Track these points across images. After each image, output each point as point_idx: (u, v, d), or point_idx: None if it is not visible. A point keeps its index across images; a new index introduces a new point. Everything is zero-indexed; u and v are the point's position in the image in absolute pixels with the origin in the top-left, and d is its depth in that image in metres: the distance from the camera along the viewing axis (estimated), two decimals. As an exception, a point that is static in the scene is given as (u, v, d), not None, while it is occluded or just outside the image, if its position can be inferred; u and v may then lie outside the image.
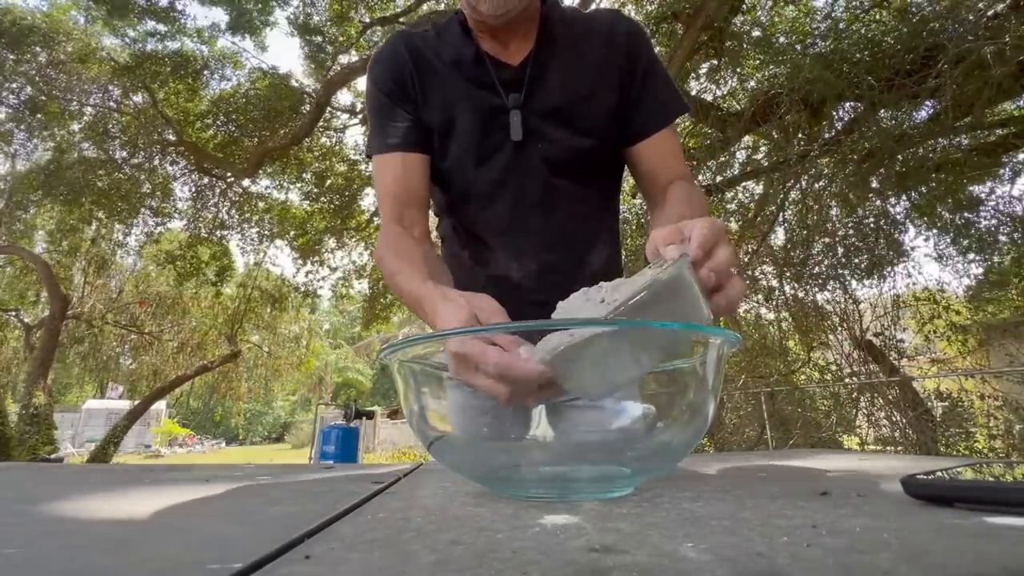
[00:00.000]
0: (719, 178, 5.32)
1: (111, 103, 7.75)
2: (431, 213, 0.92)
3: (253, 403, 25.05)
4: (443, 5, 7.11)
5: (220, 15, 7.19)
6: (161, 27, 7.15)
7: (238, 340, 11.24)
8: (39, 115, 7.17)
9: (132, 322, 12.21)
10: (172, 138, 7.55)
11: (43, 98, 7.13)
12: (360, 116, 7.92)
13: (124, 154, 7.78)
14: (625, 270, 0.99)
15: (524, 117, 0.79)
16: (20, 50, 6.87)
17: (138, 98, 7.57)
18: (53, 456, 7.85)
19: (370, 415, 13.35)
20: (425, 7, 7.04)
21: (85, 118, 7.75)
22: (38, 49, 7.11)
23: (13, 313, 11.58)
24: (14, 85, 7.09)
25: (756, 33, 5.33)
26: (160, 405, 19.15)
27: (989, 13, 3.40)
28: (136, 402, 11.21)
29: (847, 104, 4.52)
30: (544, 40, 0.82)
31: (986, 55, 3.25)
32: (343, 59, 7.67)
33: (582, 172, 0.84)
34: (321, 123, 7.58)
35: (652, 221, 0.86)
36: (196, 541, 0.27)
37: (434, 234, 0.96)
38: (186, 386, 13.45)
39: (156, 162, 7.94)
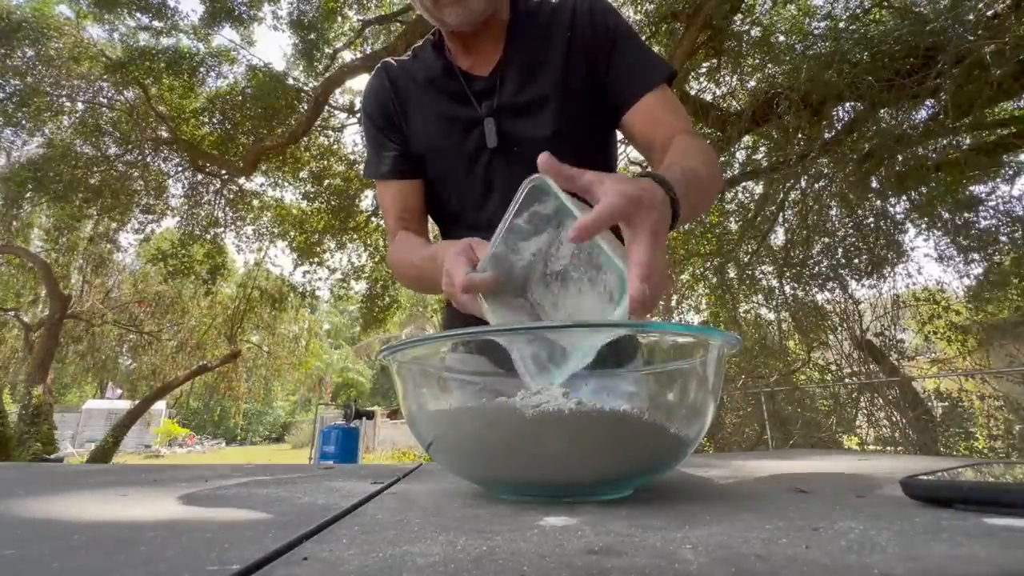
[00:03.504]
0: (719, 178, 5.32)
1: (102, 99, 7.71)
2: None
3: (253, 403, 25.04)
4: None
5: (202, 6, 7.10)
6: (156, 23, 7.12)
7: (238, 340, 11.24)
8: (25, 109, 7.12)
9: (131, 322, 12.21)
10: (166, 135, 7.53)
11: (30, 93, 7.08)
12: (359, 115, 7.91)
13: (116, 150, 7.75)
14: None
15: (498, 122, 0.82)
16: (9, 45, 6.84)
17: (130, 94, 7.53)
18: (53, 456, 7.85)
19: (370, 415, 13.35)
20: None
21: (76, 114, 7.71)
22: (27, 44, 7.07)
23: (12, 313, 11.58)
24: (2, 80, 7.05)
25: (756, 33, 5.33)
26: (160, 405, 19.15)
27: (989, 13, 3.40)
28: (136, 402, 11.21)
29: (847, 104, 4.52)
30: (511, 43, 0.84)
31: (986, 55, 3.25)
32: (340, 57, 7.68)
33: (567, 161, 0.83)
34: (319, 122, 7.57)
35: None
36: (195, 541, 0.27)
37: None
38: (186, 386, 13.45)
39: (149, 159, 7.92)
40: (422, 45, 0.90)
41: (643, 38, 5.39)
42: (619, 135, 0.94)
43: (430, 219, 0.97)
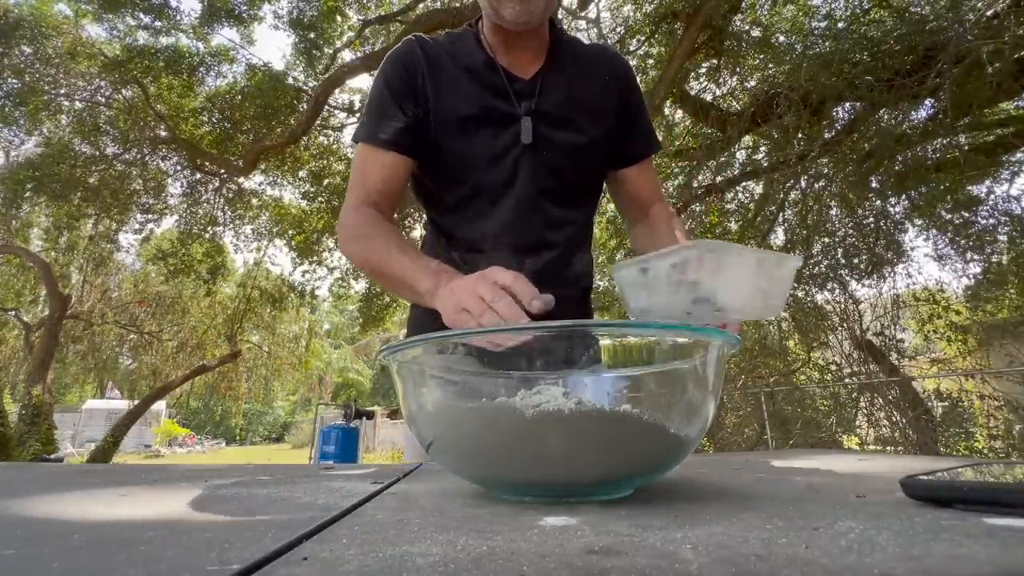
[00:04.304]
0: (719, 178, 5.32)
1: (101, 97, 7.69)
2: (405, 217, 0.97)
3: (253, 403, 25.03)
4: (439, 4, 7.11)
5: (199, 5, 7.07)
6: (157, 23, 7.11)
7: (238, 340, 11.24)
8: (23, 107, 7.11)
9: (131, 322, 12.21)
10: (165, 134, 7.52)
11: (28, 92, 7.06)
12: (358, 115, 7.91)
13: (115, 149, 7.73)
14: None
15: (534, 124, 0.85)
16: (7, 43, 6.82)
17: (129, 93, 7.51)
18: (53, 456, 7.84)
19: (370, 415, 13.34)
20: (421, 7, 7.04)
21: (75, 113, 7.69)
22: (25, 42, 7.05)
23: (12, 313, 11.57)
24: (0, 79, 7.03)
25: (756, 33, 5.33)
26: (160, 405, 19.15)
27: (988, 13, 3.40)
28: (136, 402, 11.21)
29: (847, 104, 4.52)
30: (553, 60, 0.89)
31: (983, 55, 3.25)
32: (340, 57, 7.67)
33: (580, 180, 0.93)
34: (319, 121, 7.57)
35: (637, 235, 0.99)
36: (195, 542, 0.27)
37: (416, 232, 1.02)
38: (186, 386, 13.45)
39: (148, 158, 7.90)
40: (460, 34, 0.91)
41: (643, 38, 5.40)
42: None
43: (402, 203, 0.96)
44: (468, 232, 0.90)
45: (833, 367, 6.46)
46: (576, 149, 0.88)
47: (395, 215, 0.94)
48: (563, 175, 0.88)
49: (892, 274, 5.22)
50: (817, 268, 5.51)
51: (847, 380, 6.24)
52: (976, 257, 5.00)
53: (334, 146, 8.35)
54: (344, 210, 0.86)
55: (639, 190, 0.98)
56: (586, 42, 0.98)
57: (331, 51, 7.71)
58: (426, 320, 0.92)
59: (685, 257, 0.49)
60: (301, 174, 8.25)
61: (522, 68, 0.88)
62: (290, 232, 8.63)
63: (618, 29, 5.86)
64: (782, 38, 5.13)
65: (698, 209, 5.68)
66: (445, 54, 0.88)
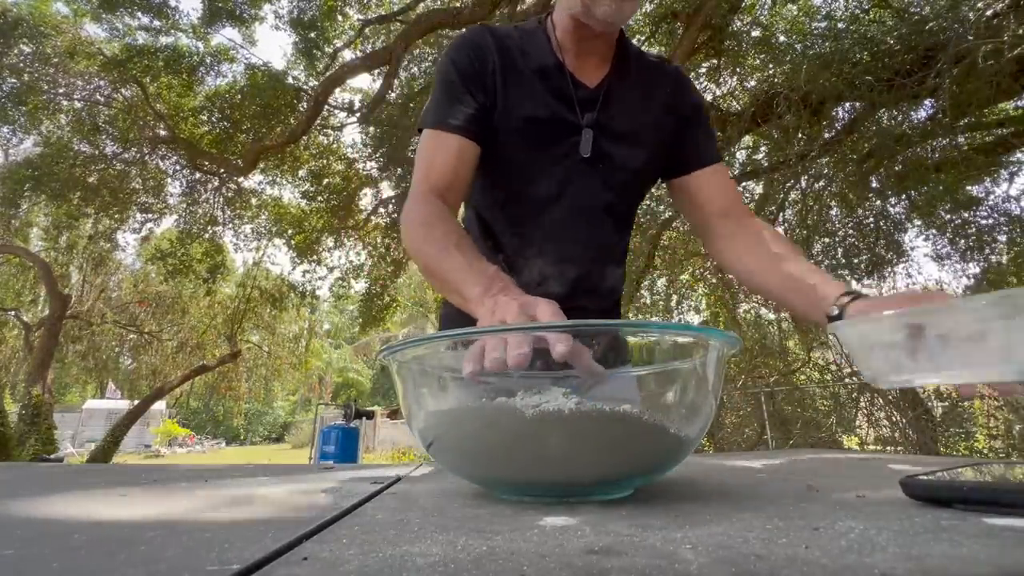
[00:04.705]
0: (719, 178, 5.32)
1: (100, 97, 7.68)
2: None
3: (253, 403, 25.04)
4: (439, 3, 7.11)
5: (201, 5, 7.06)
6: (156, 22, 7.11)
7: (238, 340, 11.24)
8: (22, 106, 7.10)
9: (131, 322, 12.21)
10: (164, 133, 7.52)
11: (28, 92, 7.06)
12: (358, 115, 7.91)
13: (114, 149, 7.72)
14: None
15: (594, 137, 0.84)
16: (6, 43, 6.81)
17: (128, 92, 7.50)
18: (53, 456, 7.84)
19: (370, 415, 13.35)
20: (422, 7, 7.04)
21: (74, 112, 7.68)
22: (24, 42, 7.04)
23: (12, 313, 11.57)
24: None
25: (756, 33, 5.33)
26: (160, 405, 19.16)
27: (988, 13, 3.40)
28: (136, 402, 11.21)
29: (847, 104, 4.52)
30: (619, 69, 0.87)
31: (985, 55, 3.25)
32: (340, 56, 7.68)
33: (630, 193, 0.92)
34: (319, 121, 7.57)
35: (731, 250, 0.87)
36: (195, 541, 0.27)
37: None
38: (186, 386, 13.46)
39: (147, 158, 7.89)
40: (530, 30, 0.88)
41: (643, 38, 5.40)
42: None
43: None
44: (511, 233, 0.89)
45: (833, 367, 6.47)
46: (632, 167, 0.87)
47: (460, 209, 0.88)
48: (615, 191, 0.88)
49: (892, 274, 5.23)
50: (817, 267, 5.50)
51: (847, 380, 6.24)
52: (976, 257, 5.00)
53: (334, 145, 8.35)
54: (409, 200, 0.80)
55: (713, 195, 0.90)
56: (646, 52, 0.95)
57: (331, 51, 7.71)
58: (457, 321, 0.86)
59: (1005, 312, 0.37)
60: (301, 173, 8.25)
61: (588, 74, 0.86)
62: (289, 232, 8.63)
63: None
64: (782, 38, 5.13)
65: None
66: (517, 50, 0.85)
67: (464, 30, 0.89)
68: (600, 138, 0.84)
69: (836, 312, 0.66)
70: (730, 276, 6.64)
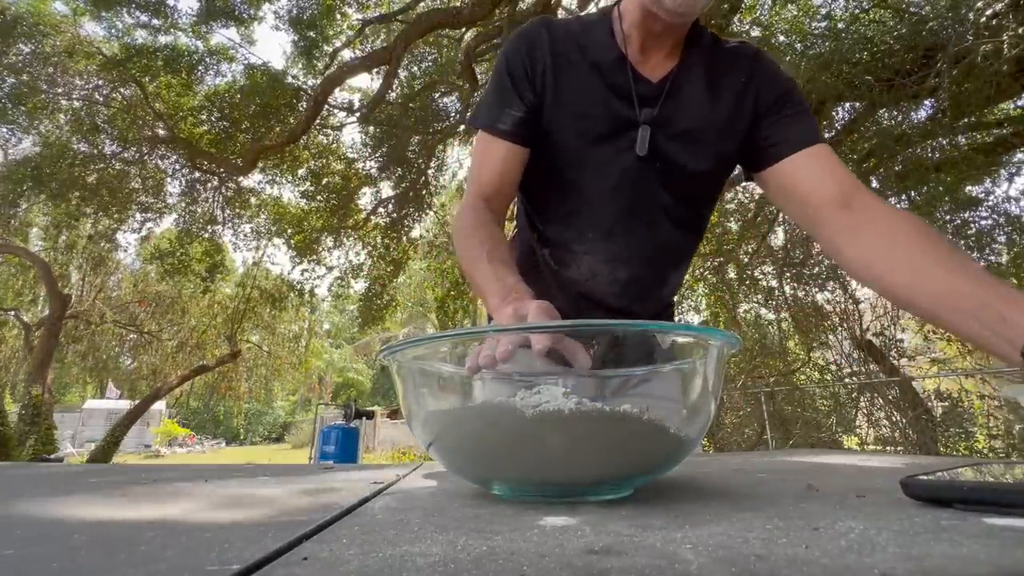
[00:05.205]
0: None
1: (99, 96, 7.68)
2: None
3: (253, 403, 25.05)
4: (439, 3, 7.11)
5: (197, 4, 7.06)
6: (155, 21, 7.11)
7: (238, 340, 11.24)
8: (21, 106, 7.09)
9: (131, 321, 12.21)
10: (163, 133, 7.52)
11: (27, 90, 7.05)
12: (358, 115, 7.92)
13: (113, 148, 7.72)
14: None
15: (652, 134, 0.80)
16: (5, 42, 6.81)
17: (127, 91, 7.49)
18: (53, 456, 7.84)
19: (370, 415, 13.35)
20: (421, 6, 7.04)
21: (73, 111, 7.68)
22: (23, 41, 7.03)
23: (12, 313, 11.58)
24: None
25: (756, 33, 5.33)
26: (160, 405, 19.16)
27: (988, 13, 3.40)
28: (136, 402, 11.21)
29: (847, 104, 4.52)
30: (687, 62, 0.81)
31: (985, 55, 3.25)
32: (340, 56, 7.68)
33: (692, 195, 0.86)
34: (318, 121, 7.58)
35: (854, 248, 0.70)
36: (195, 541, 0.27)
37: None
38: (186, 386, 13.46)
39: (146, 157, 7.89)
40: (594, 22, 0.84)
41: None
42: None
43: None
44: (561, 230, 0.87)
45: (833, 367, 6.47)
46: (692, 168, 0.82)
47: (508, 209, 0.88)
48: (675, 192, 0.83)
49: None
50: (817, 268, 5.51)
51: (847, 380, 6.24)
52: (975, 257, 5.00)
53: (333, 145, 8.35)
54: (461, 206, 0.85)
55: (819, 184, 0.74)
56: (723, 40, 0.86)
57: (331, 50, 7.71)
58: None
59: None
60: (300, 173, 8.25)
61: (653, 68, 0.81)
62: (289, 231, 8.63)
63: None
64: (782, 38, 5.13)
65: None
66: (574, 44, 0.82)
67: (523, 25, 0.85)
68: (658, 135, 0.79)
69: None
70: (731, 276, 6.64)
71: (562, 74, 0.81)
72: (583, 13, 0.88)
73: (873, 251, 0.66)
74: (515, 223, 1.01)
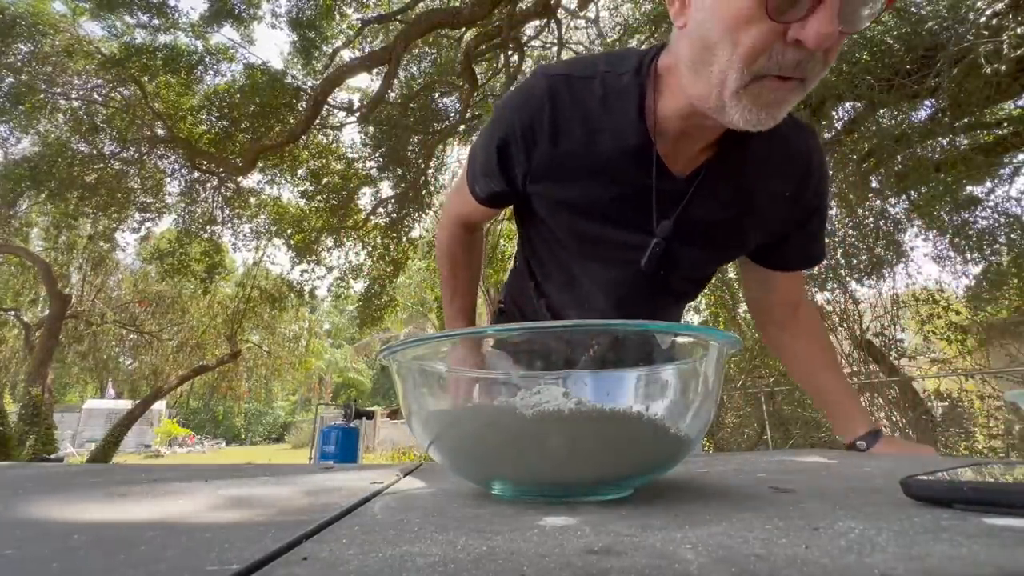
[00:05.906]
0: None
1: (98, 96, 7.67)
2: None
3: (253, 403, 25.05)
4: (439, 3, 7.11)
5: (203, 4, 7.06)
6: (155, 20, 7.11)
7: (238, 340, 11.24)
8: (20, 106, 7.09)
9: (131, 321, 12.22)
10: (162, 133, 7.51)
11: (25, 90, 7.05)
12: (357, 115, 7.92)
13: (112, 148, 7.72)
14: None
15: (666, 243, 0.71)
16: (4, 42, 6.80)
17: (126, 91, 7.49)
18: (53, 456, 7.84)
19: (370, 415, 13.34)
20: (421, 6, 7.03)
21: (72, 111, 7.67)
22: (22, 40, 7.02)
23: (12, 313, 11.57)
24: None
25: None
26: (160, 405, 19.15)
27: (988, 13, 3.40)
28: (136, 402, 11.22)
29: (847, 104, 4.52)
30: (725, 153, 0.68)
31: (985, 55, 3.25)
32: (339, 56, 7.68)
33: (690, 296, 0.87)
34: (318, 121, 7.58)
35: (781, 340, 0.92)
36: (195, 542, 0.27)
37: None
38: (186, 386, 13.47)
39: (145, 157, 7.89)
40: (623, 89, 0.66)
41: (643, 38, 5.41)
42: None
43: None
44: (558, 292, 0.85)
45: (833, 367, 6.45)
46: (699, 275, 0.80)
47: (487, 221, 0.99)
48: (676, 294, 0.82)
49: (892, 274, 5.23)
50: (817, 268, 5.51)
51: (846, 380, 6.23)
52: (976, 257, 5.01)
53: (333, 145, 8.35)
54: (441, 220, 0.92)
55: (787, 295, 0.86)
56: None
57: (330, 50, 7.71)
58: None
59: None
60: (300, 173, 8.25)
61: (683, 160, 0.68)
62: (288, 231, 8.63)
63: (617, 28, 5.86)
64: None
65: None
66: (587, 125, 0.67)
67: (534, 80, 0.69)
68: (674, 242, 0.70)
69: (864, 447, 0.80)
70: (731, 276, 6.65)
71: (565, 168, 0.69)
72: (609, 66, 0.67)
73: (790, 352, 0.92)
74: (514, 259, 1.03)
